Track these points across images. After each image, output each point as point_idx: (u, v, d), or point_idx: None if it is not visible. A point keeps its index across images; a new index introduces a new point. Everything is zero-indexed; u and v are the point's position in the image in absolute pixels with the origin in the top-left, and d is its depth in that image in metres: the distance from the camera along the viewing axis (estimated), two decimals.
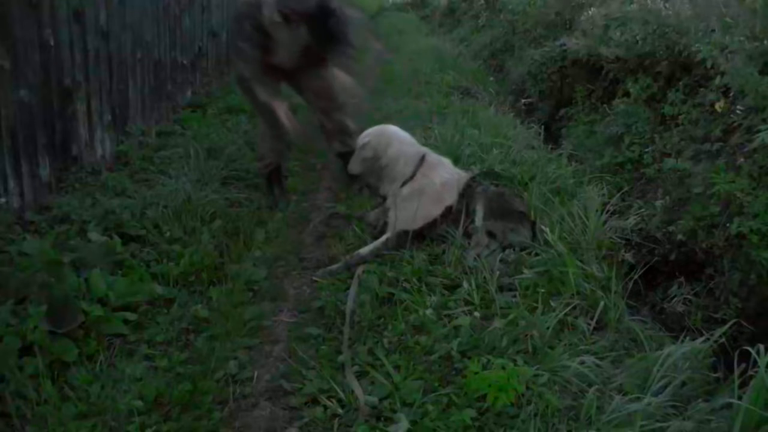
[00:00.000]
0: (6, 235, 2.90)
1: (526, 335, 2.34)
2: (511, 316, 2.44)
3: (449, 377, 2.20)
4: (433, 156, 3.35)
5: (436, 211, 3.18)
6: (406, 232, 3.13)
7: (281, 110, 3.55)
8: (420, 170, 3.24)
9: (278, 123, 3.72)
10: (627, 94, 5.04)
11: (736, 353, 2.00)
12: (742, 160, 3.55)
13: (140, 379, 2.19)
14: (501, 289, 2.72)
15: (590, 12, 6.38)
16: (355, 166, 3.47)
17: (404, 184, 3.23)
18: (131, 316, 2.53)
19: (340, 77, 3.71)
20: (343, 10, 3.58)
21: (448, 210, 3.19)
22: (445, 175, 3.25)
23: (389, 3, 19.25)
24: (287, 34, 3.45)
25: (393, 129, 3.44)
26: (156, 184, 3.74)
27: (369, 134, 3.39)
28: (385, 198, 3.40)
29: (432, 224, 3.19)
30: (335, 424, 2.00)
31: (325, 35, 3.51)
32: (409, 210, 3.13)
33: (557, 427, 1.92)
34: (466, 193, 3.22)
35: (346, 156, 4.12)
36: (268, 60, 3.54)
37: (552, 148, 4.97)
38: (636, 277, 2.94)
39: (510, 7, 9.08)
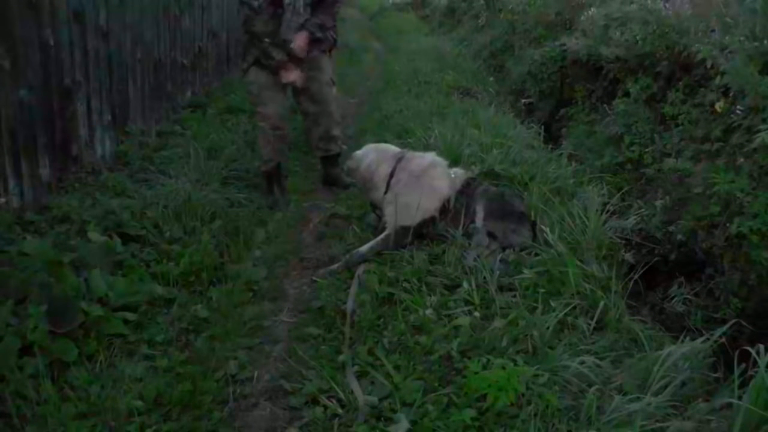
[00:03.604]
0: (6, 235, 2.90)
1: (526, 335, 2.34)
2: (511, 316, 2.44)
3: (449, 377, 2.20)
4: (412, 153, 3.42)
5: (432, 204, 3.18)
6: (405, 228, 3.13)
7: (288, 66, 3.73)
8: (398, 166, 3.28)
9: (286, 116, 3.90)
10: (627, 94, 5.03)
11: (736, 353, 1.99)
12: (742, 160, 3.55)
13: (140, 379, 2.19)
14: (501, 289, 2.72)
15: (590, 12, 6.38)
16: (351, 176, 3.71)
17: (388, 184, 3.25)
18: (131, 316, 2.53)
19: (299, 39, 3.80)
20: None
21: (446, 205, 3.19)
22: (423, 163, 3.28)
23: (389, 3, 19.23)
24: None
25: (375, 145, 3.57)
26: (156, 184, 3.74)
27: (361, 149, 3.55)
28: (373, 205, 3.46)
29: (431, 221, 3.19)
30: (335, 424, 2.00)
31: None
32: (407, 205, 3.13)
33: (557, 427, 1.92)
34: (466, 192, 3.23)
35: (327, 159, 4.22)
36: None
37: (552, 148, 4.96)
38: (636, 277, 2.93)
39: (510, 7, 9.07)
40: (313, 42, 3.88)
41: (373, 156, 3.41)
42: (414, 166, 3.26)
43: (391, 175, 3.27)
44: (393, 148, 3.50)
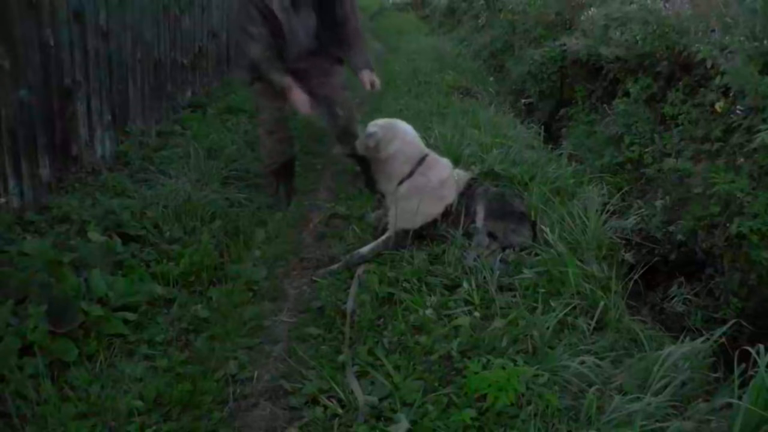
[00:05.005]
0: (6, 235, 2.89)
1: (526, 335, 2.34)
2: (511, 316, 2.44)
3: (449, 377, 2.20)
4: (433, 157, 3.33)
5: (437, 209, 3.18)
6: (406, 231, 3.13)
7: (297, 93, 3.50)
8: (418, 169, 3.22)
9: (283, 121, 3.77)
10: (627, 94, 5.04)
11: (736, 353, 2.00)
12: (742, 160, 3.55)
13: (140, 379, 2.19)
14: (501, 289, 2.72)
15: (590, 12, 6.38)
16: (360, 149, 3.46)
17: (401, 182, 3.22)
18: (131, 316, 2.53)
19: (366, 80, 3.68)
20: None
21: (449, 209, 3.19)
22: (443, 174, 3.24)
23: (389, 3, 19.25)
24: (296, 20, 3.47)
25: (402, 126, 3.38)
26: (156, 184, 3.74)
27: (378, 125, 3.34)
28: (383, 194, 3.40)
29: (432, 223, 3.19)
30: (335, 424, 1.99)
31: (334, 22, 3.58)
32: (410, 209, 3.12)
33: (557, 427, 1.92)
34: (467, 193, 3.23)
35: (352, 158, 4.13)
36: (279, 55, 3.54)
37: (552, 148, 4.97)
38: (636, 277, 2.93)
39: (510, 7, 9.08)
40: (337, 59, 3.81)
41: (398, 146, 3.25)
42: (433, 176, 3.21)
43: (409, 174, 3.23)
44: (417, 144, 3.34)
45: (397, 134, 3.30)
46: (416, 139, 3.37)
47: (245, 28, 3.46)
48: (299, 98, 3.51)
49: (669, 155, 4.24)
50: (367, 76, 3.66)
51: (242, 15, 3.48)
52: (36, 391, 2.03)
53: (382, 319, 2.59)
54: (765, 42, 3.78)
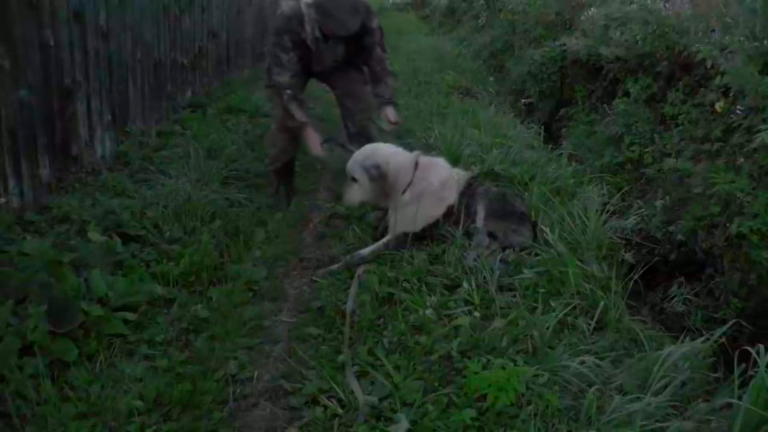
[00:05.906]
0: (6, 235, 2.89)
1: (526, 335, 2.34)
2: (511, 316, 2.44)
3: (449, 377, 2.20)
4: (425, 158, 3.30)
5: (438, 211, 3.17)
6: (406, 234, 3.12)
7: (311, 133, 3.62)
8: (417, 174, 3.18)
9: (295, 140, 3.83)
10: (627, 94, 5.04)
11: (736, 353, 2.00)
12: (742, 160, 3.55)
13: (140, 379, 2.19)
14: (501, 289, 2.72)
15: (590, 12, 6.38)
16: (363, 195, 3.21)
17: (405, 190, 3.17)
18: (131, 316, 2.53)
19: (391, 116, 3.75)
20: (378, 25, 3.76)
21: (450, 209, 3.19)
22: (442, 175, 3.23)
23: (389, 3, 19.25)
24: (325, 47, 3.61)
25: (379, 144, 3.33)
26: (156, 184, 3.74)
27: (363, 158, 3.16)
28: (387, 210, 3.31)
29: (434, 224, 3.18)
30: (335, 424, 1.99)
31: (360, 48, 3.73)
32: (411, 212, 3.11)
33: (557, 427, 1.92)
34: (467, 193, 3.22)
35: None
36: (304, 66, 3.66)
37: (552, 148, 4.97)
38: (636, 277, 2.93)
39: (510, 7, 9.08)
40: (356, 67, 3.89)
41: (394, 162, 3.16)
42: (433, 178, 3.18)
43: (411, 182, 3.18)
44: (403, 151, 3.27)
45: (385, 151, 3.22)
46: (399, 148, 3.31)
47: (276, 55, 3.57)
48: (312, 137, 3.63)
49: (669, 155, 4.24)
50: (391, 113, 3.75)
51: (274, 40, 3.61)
52: (36, 391, 2.03)
53: (382, 319, 2.59)
54: (765, 42, 3.78)
